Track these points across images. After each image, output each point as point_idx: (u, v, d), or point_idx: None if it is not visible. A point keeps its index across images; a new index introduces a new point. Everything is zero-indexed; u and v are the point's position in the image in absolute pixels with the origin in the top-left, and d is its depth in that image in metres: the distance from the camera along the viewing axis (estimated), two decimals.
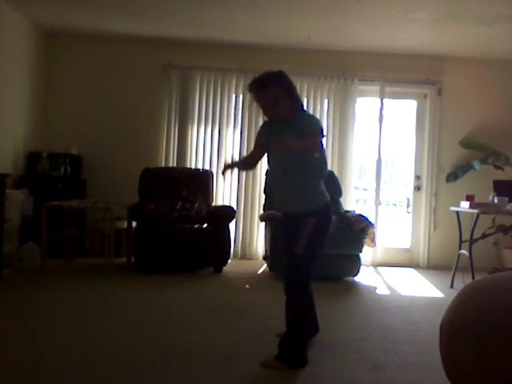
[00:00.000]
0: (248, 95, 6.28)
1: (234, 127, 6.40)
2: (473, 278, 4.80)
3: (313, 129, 2.82)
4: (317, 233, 2.85)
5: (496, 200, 5.10)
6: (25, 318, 3.54)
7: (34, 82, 6.05)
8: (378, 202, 6.52)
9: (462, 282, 4.66)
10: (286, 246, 2.98)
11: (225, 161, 3.10)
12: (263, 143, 3.05)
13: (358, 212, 5.62)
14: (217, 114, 6.35)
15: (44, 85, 6.27)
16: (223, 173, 3.06)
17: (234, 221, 5.77)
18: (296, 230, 2.84)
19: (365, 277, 5.54)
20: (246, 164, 3.30)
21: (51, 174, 5.81)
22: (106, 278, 4.91)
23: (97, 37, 6.25)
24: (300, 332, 2.86)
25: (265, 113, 2.95)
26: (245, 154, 6.26)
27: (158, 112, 6.36)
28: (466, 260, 5.05)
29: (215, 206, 5.87)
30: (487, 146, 6.22)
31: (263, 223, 5.92)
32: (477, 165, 6.09)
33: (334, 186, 5.85)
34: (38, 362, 2.76)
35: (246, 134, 6.32)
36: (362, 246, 5.25)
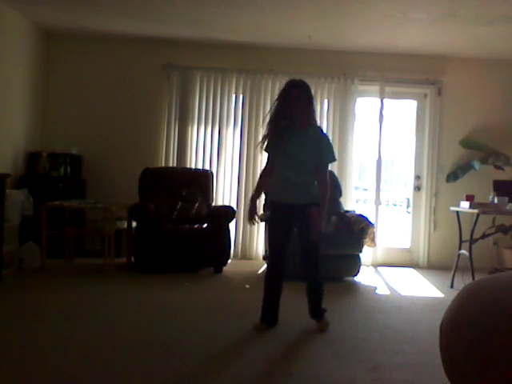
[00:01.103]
0: (248, 95, 6.31)
1: (234, 127, 6.40)
2: (473, 278, 4.80)
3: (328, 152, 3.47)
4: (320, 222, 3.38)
5: (496, 200, 5.10)
6: (25, 318, 3.54)
7: (34, 82, 6.05)
8: (378, 202, 6.51)
9: (462, 281, 4.66)
10: (291, 236, 3.47)
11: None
12: (276, 148, 3.41)
13: (358, 212, 5.62)
14: (217, 113, 6.34)
15: (44, 85, 6.27)
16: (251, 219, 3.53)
17: (234, 221, 5.77)
18: (301, 220, 3.38)
19: (365, 277, 5.54)
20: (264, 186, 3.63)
21: (51, 174, 5.81)
22: (105, 278, 4.91)
23: (97, 37, 6.26)
24: (322, 291, 3.59)
25: (292, 112, 3.34)
26: (245, 154, 6.29)
27: (158, 112, 6.36)
28: (466, 260, 5.05)
29: (215, 206, 5.87)
30: (487, 146, 6.22)
31: (263, 223, 5.91)
32: (477, 165, 6.09)
33: (333, 186, 5.86)
34: (39, 361, 2.76)
35: (246, 133, 6.32)
36: (362, 246, 5.25)
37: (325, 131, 6.22)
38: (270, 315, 3.53)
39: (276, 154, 3.44)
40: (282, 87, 3.43)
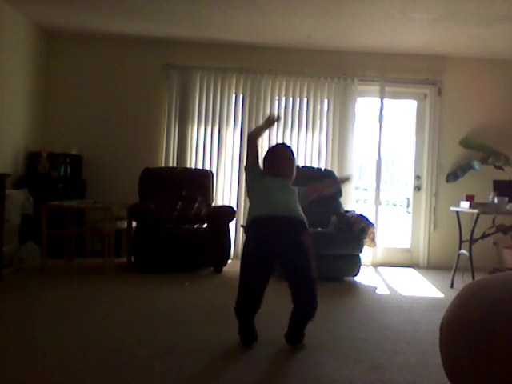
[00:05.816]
0: (248, 95, 6.31)
1: (234, 127, 6.41)
2: (473, 278, 4.80)
3: None
4: None
5: (496, 200, 5.10)
6: (25, 318, 3.54)
7: (33, 82, 6.05)
8: (377, 202, 6.52)
9: (462, 282, 4.67)
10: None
11: None
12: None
13: (358, 212, 5.62)
14: (217, 113, 6.35)
15: (44, 85, 6.27)
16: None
17: (234, 221, 5.77)
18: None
19: (365, 277, 5.54)
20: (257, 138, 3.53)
21: (51, 174, 5.80)
22: (105, 278, 4.91)
23: (97, 37, 6.26)
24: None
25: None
26: (245, 154, 6.29)
27: (158, 112, 6.36)
28: (466, 260, 5.05)
29: (215, 206, 5.87)
30: (487, 145, 6.22)
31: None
32: (477, 165, 6.09)
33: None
34: (38, 361, 2.76)
35: (245, 133, 6.31)
36: (362, 246, 5.25)
37: (325, 131, 6.33)
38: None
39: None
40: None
